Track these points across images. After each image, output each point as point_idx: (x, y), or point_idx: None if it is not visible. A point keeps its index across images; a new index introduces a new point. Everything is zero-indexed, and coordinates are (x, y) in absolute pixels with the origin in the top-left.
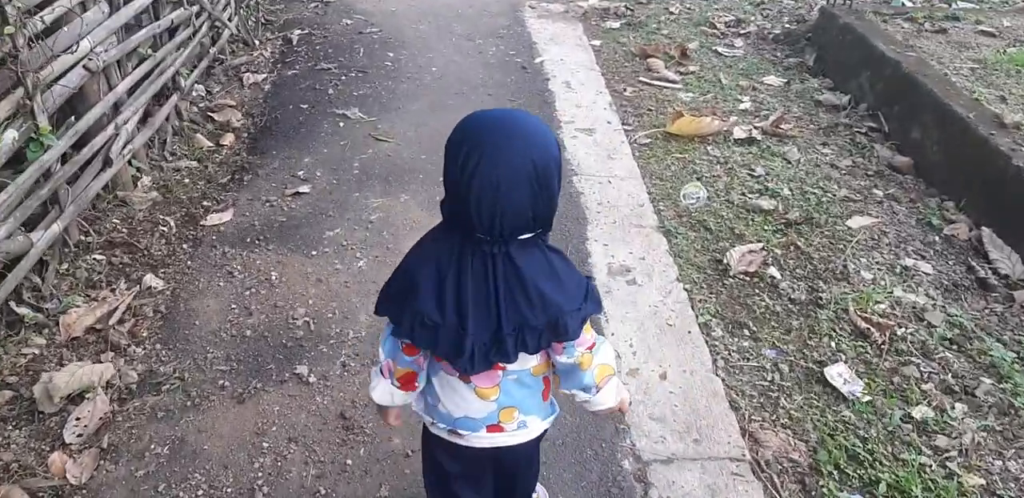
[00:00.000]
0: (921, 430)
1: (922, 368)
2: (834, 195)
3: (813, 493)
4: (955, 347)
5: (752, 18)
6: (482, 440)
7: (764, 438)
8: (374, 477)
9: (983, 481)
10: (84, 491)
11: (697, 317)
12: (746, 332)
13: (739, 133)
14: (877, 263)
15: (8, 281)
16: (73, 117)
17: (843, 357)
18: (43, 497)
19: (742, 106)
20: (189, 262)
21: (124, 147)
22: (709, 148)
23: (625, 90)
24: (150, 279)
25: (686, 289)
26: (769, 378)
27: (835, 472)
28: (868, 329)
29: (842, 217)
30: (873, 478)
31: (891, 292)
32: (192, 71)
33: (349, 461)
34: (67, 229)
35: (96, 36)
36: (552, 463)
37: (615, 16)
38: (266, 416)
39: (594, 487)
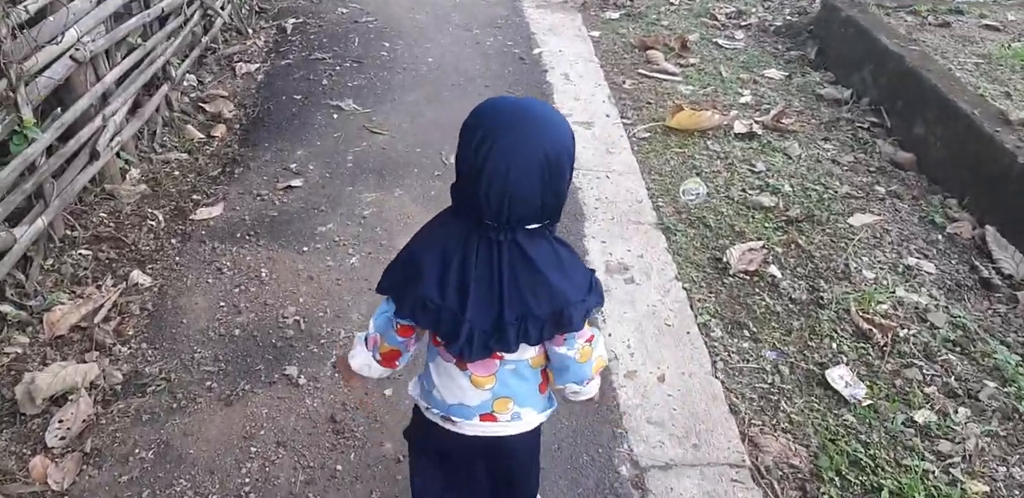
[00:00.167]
0: (924, 435)
1: (924, 371)
2: (836, 192)
3: None
4: (958, 349)
5: (753, 10)
6: (475, 428)
7: (764, 443)
8: (365, 483)
9: (987, 488)
10: (66, 497)
11: (696, 317)
12: (746, 333)
13: (739, 127)
14: (879, 262)
15: None
16: (59, 109)
17: (844, 359)
18: None
19: (743, 100)
20: (177, 258)
21: (112, 139)
22: (709, 143)
23: (624, 82)
24: (137, 275)
25: (685, 288)
26: (769, 380)
27: (836, 478)
28: (870, 330)
29: (844, 214)
30: (875, 485)
31: (893, 292)
32: (183, 60)
33: (339, 466)
34: (52, 224)
35: (83, 25)
36: (547, 469)
37: (615, 6)
38: (254, 419)
39: (590, 494)
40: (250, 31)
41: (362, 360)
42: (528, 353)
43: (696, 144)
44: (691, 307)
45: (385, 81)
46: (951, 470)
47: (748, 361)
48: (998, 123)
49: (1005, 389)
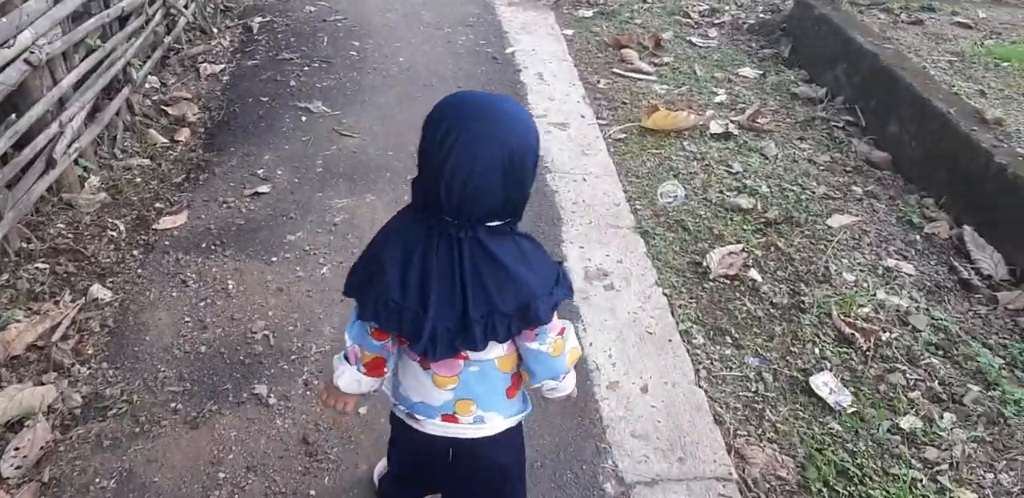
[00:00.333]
0: (910, 442)
1: (908, 375)
2: (813, 193)
3: None
4: (941, 352)
5: (727, 7)
6: (436, 428)
7: (750, 454)
8: None
9: (975, 496)
10: None
11: (678, 324)
12: (728, 339)
13: (715, 128)
14: (859, 264)
15: None
16: (13, 115)
17: (828, 364)
18: None
19: (717, 99)
20: (140, 270)
21: (70, 146)
22: (685, 143)
23: (599, 82)
24: (97, 290)
25: (665, 294)
26: (753, 388)
27: (824, 489)
28: (852, 334)
29: (822, 216)
30: (864, 495)
31: (874, 295)
32: (145, 62)
33: (313, 491)
34: (7, 237)
35: (39, 27)
36: (529, 488)
37: (588, 4)
38: (222, 443)
39: None
40: (215, 30)
41: (349, 377)
42: (493, 353)
43: (672, 145)
44: (672, 313)
45: (355, 82)
46: (939, 478)
47: (731, 369)
48: (974, 122)
49: (989, 393)
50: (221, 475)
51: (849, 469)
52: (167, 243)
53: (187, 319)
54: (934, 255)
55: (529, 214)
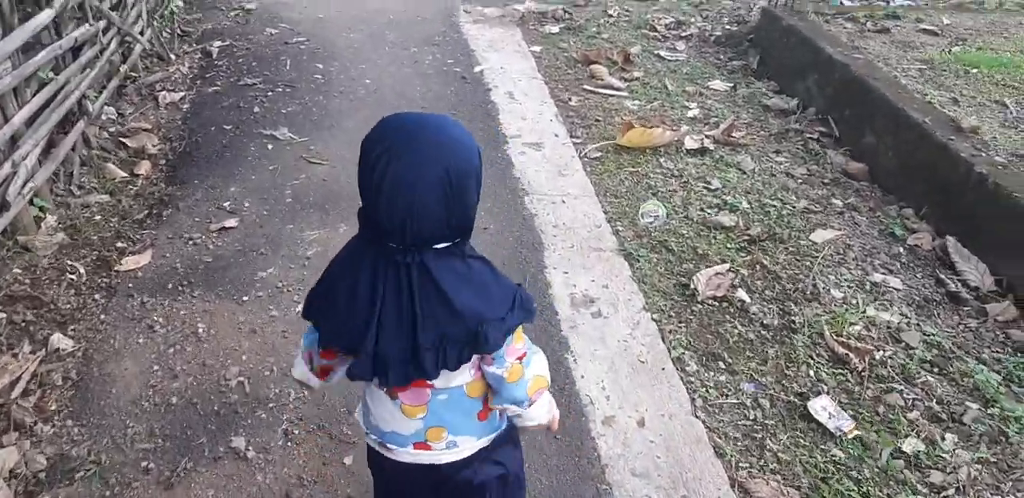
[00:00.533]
0: (914, 466)
1: (905, 395)
2: (793, 207)
3: None
4: (936, 370)
5: (692, 20)
6: (408, 456)
7: (754, 488)
8: None
9: None
10: None
11: (669, 351)
12: (721, 364)
13: (691, 143)
14: (846, 280)
15: None
16: None
17: (824, 387)
18: None
19: (690, 113)
20: (103, 316)
21: (24, 186)
22: (662, 160)
23: (570, 100)
24: (58, 339)
25: (654, 319)
26: (751, 416)
27: None
28: (846, 354)
29: (805, 231)
30: None
31: (864, 311)
32: (101, 92)
33: None
34: None
35: None
36: None
37: (553, 20)
38: None
39: None
40: (173, 57)
41: (301, 373)
42: (459, 379)
43: (649, 162)
44: (663, 339)
45: (321, 106)
46: None
47: (727, 396)
48: (950, 131)
49: (988, 410)
50: None
51: None
52: (131, 285)
53: (155, 368)
54: (919, 268)
55: (509, 239)
